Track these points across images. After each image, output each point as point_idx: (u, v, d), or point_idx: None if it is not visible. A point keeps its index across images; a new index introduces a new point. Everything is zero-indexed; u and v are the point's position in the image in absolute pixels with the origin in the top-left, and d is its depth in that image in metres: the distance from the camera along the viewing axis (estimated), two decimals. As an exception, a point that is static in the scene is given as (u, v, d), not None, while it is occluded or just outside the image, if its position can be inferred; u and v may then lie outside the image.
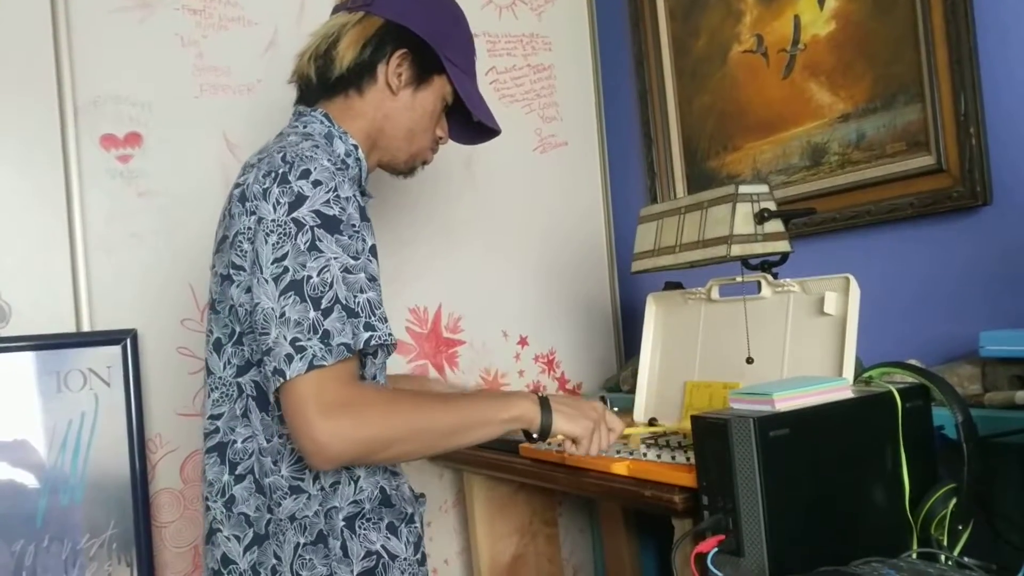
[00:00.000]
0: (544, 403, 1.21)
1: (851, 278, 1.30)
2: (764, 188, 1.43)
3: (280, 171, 1.10)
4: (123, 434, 1.71)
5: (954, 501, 1.09)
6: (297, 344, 1.03)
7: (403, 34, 1.28)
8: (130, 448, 1.71)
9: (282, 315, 1.05)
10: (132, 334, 1.73)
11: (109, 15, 1.78)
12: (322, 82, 1.29)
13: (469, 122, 1.40)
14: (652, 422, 1.59)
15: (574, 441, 1.24)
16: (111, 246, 1.76)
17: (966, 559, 1.04)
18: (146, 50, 1.81)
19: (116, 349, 1.72)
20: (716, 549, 1.02)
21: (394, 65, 1.28)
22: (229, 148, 1.87)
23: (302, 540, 1.14)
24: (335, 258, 1.06)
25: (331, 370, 1.03)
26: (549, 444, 1.49)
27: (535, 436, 1.22)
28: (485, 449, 1.67)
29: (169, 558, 1.78)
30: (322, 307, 1.04)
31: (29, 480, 1.64)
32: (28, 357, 1.66)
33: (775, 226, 1.41)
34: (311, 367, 1.02)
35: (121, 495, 1.70)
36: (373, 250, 1.14)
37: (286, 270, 1.06)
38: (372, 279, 1.10)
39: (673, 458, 1.28)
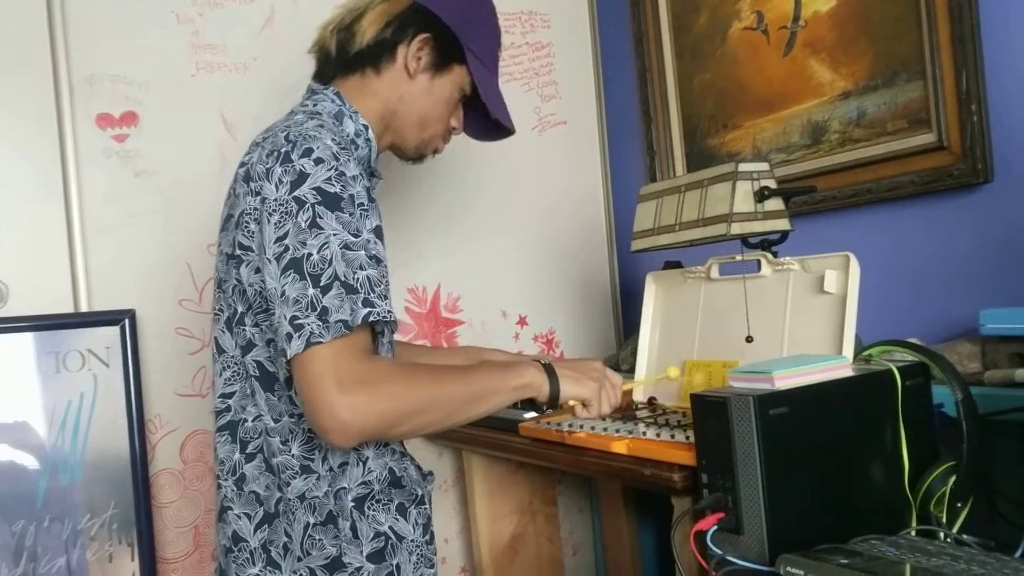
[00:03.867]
0: (549, 370, 1.22)
1: (851, 256, 1.30)
2: (764, 166, 1.42)
3: (283, 150, 1.10)
4: (122, 415, 1.71)
5: (953, 479, 1.09)
6: (296, 322, 1.03)
7: (429, 18, 1.27)
8: (130, 428, 1.71)
9: (283, 294, 1.05)
10: (131, 314, 1.73)
11: (104, -8, 1.77)
12: (341, 56, 1.28)
13: (485, 117, 1.38)
14: (651, 401, 1.59)
15: (584, 404, 1.25)
16: (108, 226, 1.76)
17: (965, 536, 1.04)
18: (141, 28, 1.79)
19: (115, 329, 1.72)
20: (716, 527, 1.02)
21: (415, 48, 1.27)
22: (226, 127, 1.86)
23: (312, 520, 1.14)
24: (335, 235, 1.06)
25: (344, 345, 1.03)
26: (550, 424, 1.49)
27: (543, 405, 1.22)
28: (484, 428, 1.67)
29: (170, 538, 1.79)
30: (321, 284, 1.04)
31: (29, 461, 1.65)
32: (27, 338, 1.66)
33: (775, 204, 1.41)
34: (308, 345, 1.01)
35: (121, 475, 1.70)
36: (378, 231, 1.13)
37: (287, 248, 1.05)
38: (374, 258, 1.09)
39: (672, 437, 1.28)
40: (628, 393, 1.64)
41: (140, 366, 1.74)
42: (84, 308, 1.72)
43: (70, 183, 1.72)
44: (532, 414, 1.55)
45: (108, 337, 1.71)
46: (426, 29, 1.27)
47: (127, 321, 1.72)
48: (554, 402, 1.22)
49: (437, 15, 1.27)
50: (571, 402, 1.25)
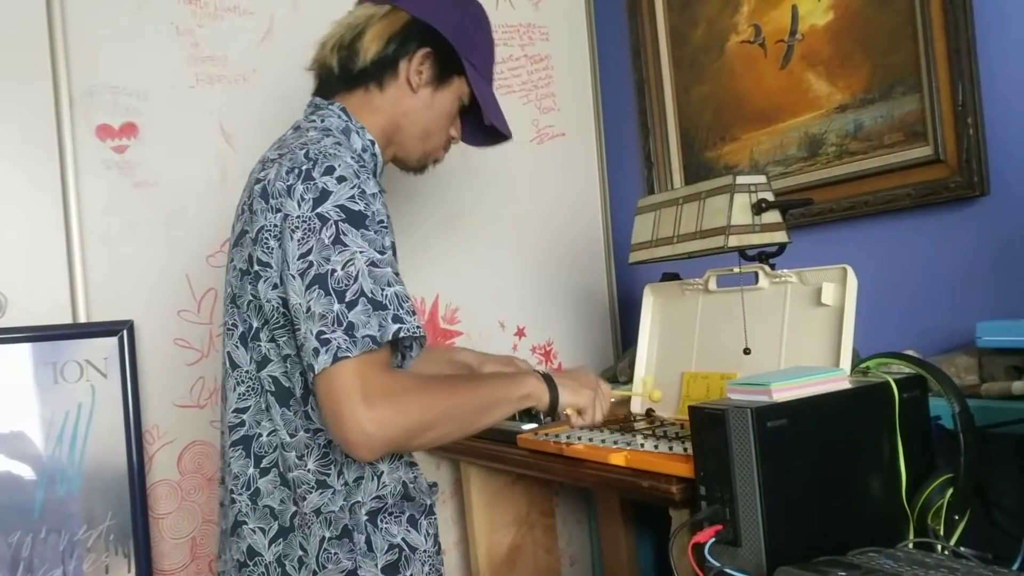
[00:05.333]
0: (548, 379, 1.25)
1: (848, 268, 1.30)
2: (762, 179, 1.43)
3: (304, 168, 1.11)
4: (120, 425, 1.71)
5: (951, 491, 1.09)
6: (322, 337, 1.04)
7: (428, 32, 1.28)
8: (127, 439, 1.71)
9: (308, 310, 1.06)
10: (129, 325, 1.73)
11: (104, 3, 1.77)
12: (343, 73, 1.29)
13: (480, 124, 1.40)
14: (649, 413, 1.59)
15: (579, 412, 1.30)
16: (107, 237, 1.76)
17: (962, 549, 1.04)
18: (141, 39, 1.80)
19: (113, 340, 1.72)
20: (713, 539, 1.02)
21: (416, 63, 1.28)
22: (225, 138, 1.86)
23: (327, 534, 1.15)
24: (360, 252, 1.07)
25: (368, 360, 1.04)
26: (548, 436, 1.49)
27: (541, 414, 1.25)
28: (482, 439, 1.67)
29: (167, 549, 1.78)
30: (346, 300, 1.05)
31: (26, 472, 1.64)
32: (24, 348, 1.66)
33: (773, 217, 1.41)
34: (335, 359, 1.03)
35: (118, 486, 1.70)
36: (393, 247, 1.14)
37: (311, 265, 1.06)
38: (397, 274, 1.11)
39: (670, 448, 1.28)
40: (624, 403, 1.65)
41: (138, 377, 1.74)
42: (82, 319, 1.72)
43: (69, 194, 1.72)
44: (532, 425, 1.56)
45: (106, 348, 1.71)
46: (427, 43, 1.28)
47: (125, 332, 1.72)
48: (553, 410, 1.25)
49: (436, 29, 1.28)
50: (568, 410, 1.29)
